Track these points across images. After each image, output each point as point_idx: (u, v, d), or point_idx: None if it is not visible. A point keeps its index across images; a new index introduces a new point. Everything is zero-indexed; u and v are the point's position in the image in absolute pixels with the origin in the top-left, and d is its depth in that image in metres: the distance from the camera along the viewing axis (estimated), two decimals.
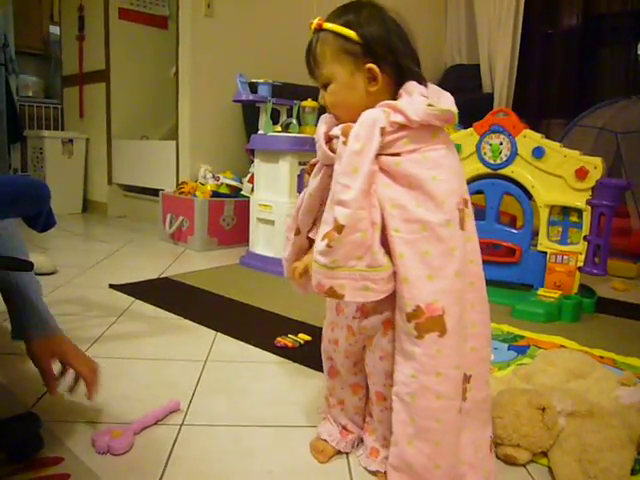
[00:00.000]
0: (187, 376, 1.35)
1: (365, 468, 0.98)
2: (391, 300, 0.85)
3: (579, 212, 1.96)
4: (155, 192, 3.26)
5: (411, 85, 0.85)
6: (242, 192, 2.95)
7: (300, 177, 2.40)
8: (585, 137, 3.48)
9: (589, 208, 1.94)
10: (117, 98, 3.77)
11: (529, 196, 2.08)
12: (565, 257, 1.99)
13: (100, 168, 3.95)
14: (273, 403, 1.23)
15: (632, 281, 2.51)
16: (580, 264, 1.97)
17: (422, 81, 0.87)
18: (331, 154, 0.87)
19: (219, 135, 3.26)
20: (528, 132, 2.04)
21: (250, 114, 2.90)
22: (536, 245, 2.06)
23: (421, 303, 0.80)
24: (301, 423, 1.15)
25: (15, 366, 1.35)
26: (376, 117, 0.82)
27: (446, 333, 0.80)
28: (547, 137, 2.04)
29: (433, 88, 0.88)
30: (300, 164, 2.40)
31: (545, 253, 2.02)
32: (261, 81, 2.49)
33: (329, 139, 0.89)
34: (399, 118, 0.82)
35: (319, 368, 1.36)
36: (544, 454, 1.04)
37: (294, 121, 2.47)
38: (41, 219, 0.78)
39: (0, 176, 0.85)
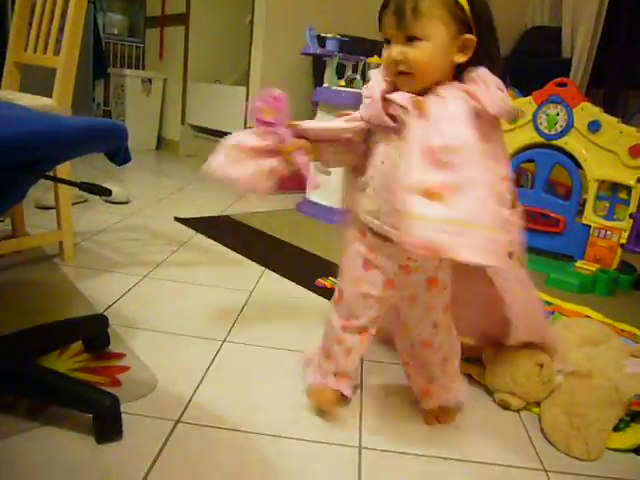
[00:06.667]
0: (234, 302, 1.53)
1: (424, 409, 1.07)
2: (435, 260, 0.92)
3: (628, 189, 1.97)
4: (224, 135, 3.41)
5: (486, 73, 0.83)
6: None
7: None
8: None
9: (639, 186, 1.94)
10: (195, 42, 3.93)
11: (580, 169, 2.09)
12: (608, 232, 2.02)
13: (175, 108, 4.16)
14: (305, 332, 1.39)
15: None
16: (623, 241, 1.99)
17: (495, 70, 0.85)
18: (387, 119, 0.85)
19: (288, 84, 3.35)
20: (586, 105, 2.03)
21: (318, 66, 2.98)
22: (582, 218, 2.09)
23: None
24: None
25: (92, 278, 1.57)
26: (464, 98, 0.80)
27: None
28: (624, 109, 2.02)
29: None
30: None
31: (589, 227, 2.05)
32: (329, 36, 2.56)
33: (383, 99, 0.85)
34: (473, 105, 0.80)
35: None
36: (537, 404, 1.15)
37: (358, 77, 2.54)
38: (120, 155, 0.94)
39: (90, 118, 1.00)
